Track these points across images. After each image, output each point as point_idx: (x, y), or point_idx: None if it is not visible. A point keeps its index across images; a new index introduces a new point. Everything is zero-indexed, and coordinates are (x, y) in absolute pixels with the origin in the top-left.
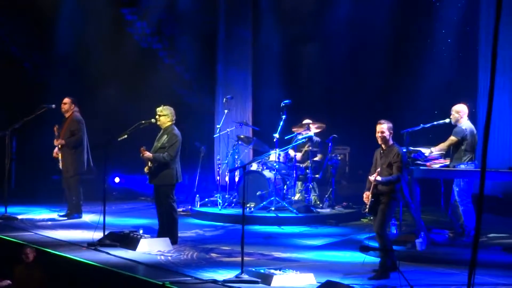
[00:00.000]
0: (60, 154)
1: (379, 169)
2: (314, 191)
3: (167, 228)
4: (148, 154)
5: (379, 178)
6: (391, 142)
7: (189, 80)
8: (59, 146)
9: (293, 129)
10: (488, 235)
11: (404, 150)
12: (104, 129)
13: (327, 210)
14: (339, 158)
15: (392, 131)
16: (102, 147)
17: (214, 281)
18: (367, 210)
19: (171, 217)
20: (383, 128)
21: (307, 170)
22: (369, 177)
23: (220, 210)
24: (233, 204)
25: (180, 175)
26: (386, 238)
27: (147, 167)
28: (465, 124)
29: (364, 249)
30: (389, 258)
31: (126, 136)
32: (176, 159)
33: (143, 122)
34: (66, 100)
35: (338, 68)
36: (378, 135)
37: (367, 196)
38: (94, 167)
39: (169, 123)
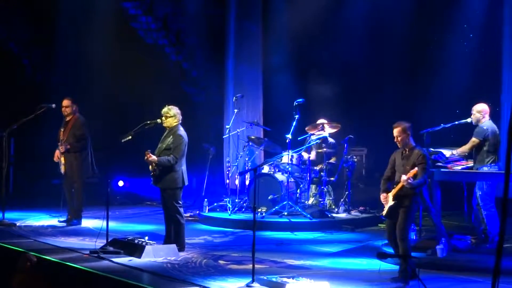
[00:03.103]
0: (62, 158)
1: (415, 169)
2: (329, 194)
3: (173, 234)
4: (153, 157)
5: (411, 180)
6: (413, 144)
7: (196, 77)
8: (62, 149)
9: (306, 130)
10: None
11: None
12: (107, 130)
13: (342, 215)
14: (355, 160)
15: (409, 132)
16: (105, 149)
17: None
18: (384, 212)
19: (177, 222)
20: (397, 131)
21: (322, 173)
22: (402, 176)
23: (229, 215)
24: (243, 209)
25: (186, 178)
26: (408, 242)
27: (151, 167)
28: (487, 124)
29: (382, 256)
30: (408, 264)
31: (130, 137)
32: (181, 161)
33: (148, 122)
34: (67, 102)
35: (354, 65)
36: (396, 140)
37: (385, 197)
38: (97, 170)
39: (176, 124)
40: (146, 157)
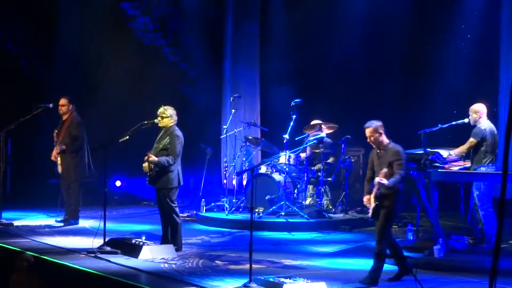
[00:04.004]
0: (59, 158)
1: (385, 170)
2: (326, 195)
3: (170, 234)
4: (153, 158)
5: (385, 181)
6: (386, 141)
7: (194, 78)
8: (58, 149)
9: (304, 130)
10: (509, 242)
11: (421, 151)
12: (104, 130)
13: (340, 215)
14: (353, 160)
15: (381, 130)
16: (103, 148)
17: None
18: (370, 214)
19: (173, 222)
20: (369, 132)
21: (319, 173)
22: (376, 178)
23: (227, 215)
24: (240, 209)
25: (182, 178)
26: (385, 245)
27: (147, 165)
28: (484, 124)
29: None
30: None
31: (127, 137)
32: (177, 161)
33: (145, 122)
34: (63, 101)
35: (351, 66)
36: (369, 140)
37: (368, 199)
38: (94, 170)
39: (172, 124)
40: (146, 158)
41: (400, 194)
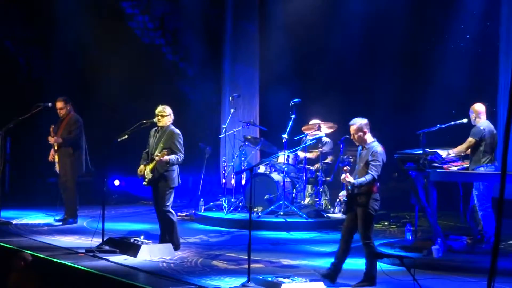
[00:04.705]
0: (56, 156)
1: (346, 168)
2: (325, 194)
3: (168, 233)
4: (167, 157)
5: (350, 179)
6: (370, 140)
7: (193, 77)
8: (55, 146)
9: (303, 130)
10: (508, 242)
11: (420, 151)
12: (103, 129)
13: (338, 215)
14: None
15: (366, 129)
16: (102, 148)
17: None
18: (342, 210)
19: (170, 221)
20: (353, 130)
21: (318, 173)
22: (342, 175)
23: (225, 214)
24: (239, 209)
25: (180, 178)
26: (373, 244)
27: (150, 168)
28: (483, 124)
29: (378, 256)
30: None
31: (126, 136)
32: None
33: (144, 121)
34: (60, 104)
35: (351, 65)
36: (352, 137)
37: (342, 195)
38: (93, 169)
39: (169, 123)
40: (158, 158)
41: (375, 194)
